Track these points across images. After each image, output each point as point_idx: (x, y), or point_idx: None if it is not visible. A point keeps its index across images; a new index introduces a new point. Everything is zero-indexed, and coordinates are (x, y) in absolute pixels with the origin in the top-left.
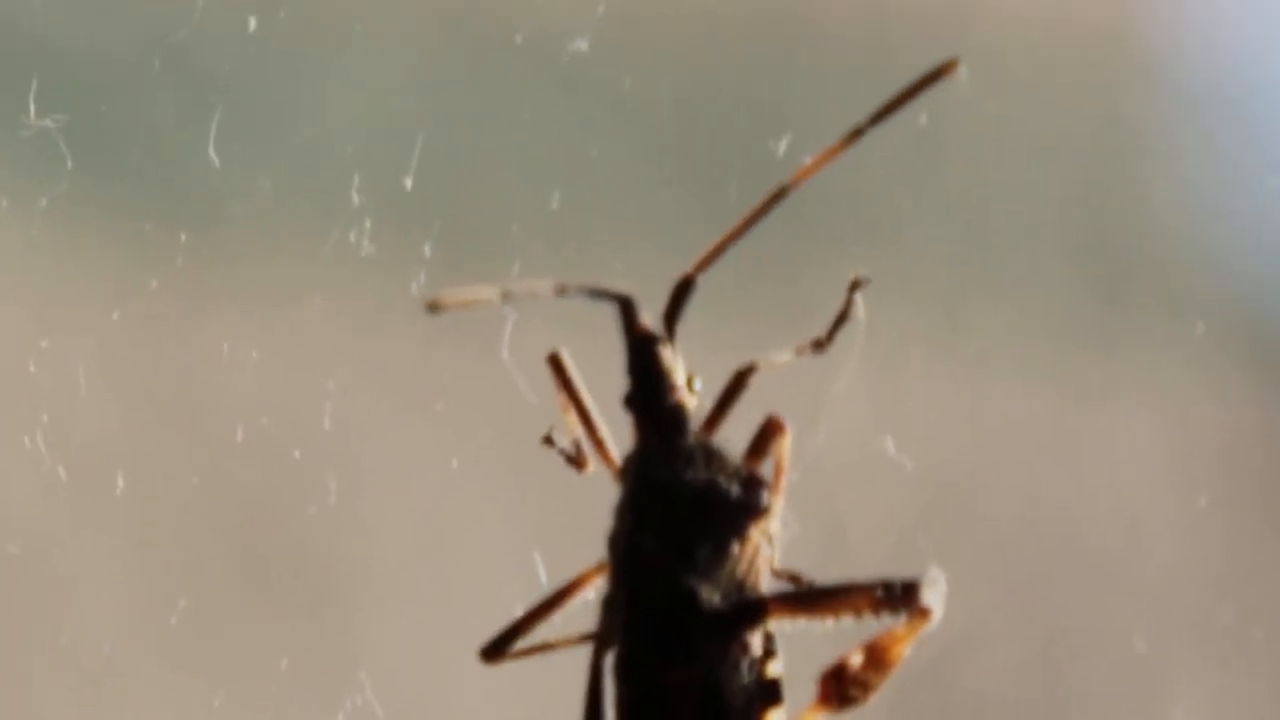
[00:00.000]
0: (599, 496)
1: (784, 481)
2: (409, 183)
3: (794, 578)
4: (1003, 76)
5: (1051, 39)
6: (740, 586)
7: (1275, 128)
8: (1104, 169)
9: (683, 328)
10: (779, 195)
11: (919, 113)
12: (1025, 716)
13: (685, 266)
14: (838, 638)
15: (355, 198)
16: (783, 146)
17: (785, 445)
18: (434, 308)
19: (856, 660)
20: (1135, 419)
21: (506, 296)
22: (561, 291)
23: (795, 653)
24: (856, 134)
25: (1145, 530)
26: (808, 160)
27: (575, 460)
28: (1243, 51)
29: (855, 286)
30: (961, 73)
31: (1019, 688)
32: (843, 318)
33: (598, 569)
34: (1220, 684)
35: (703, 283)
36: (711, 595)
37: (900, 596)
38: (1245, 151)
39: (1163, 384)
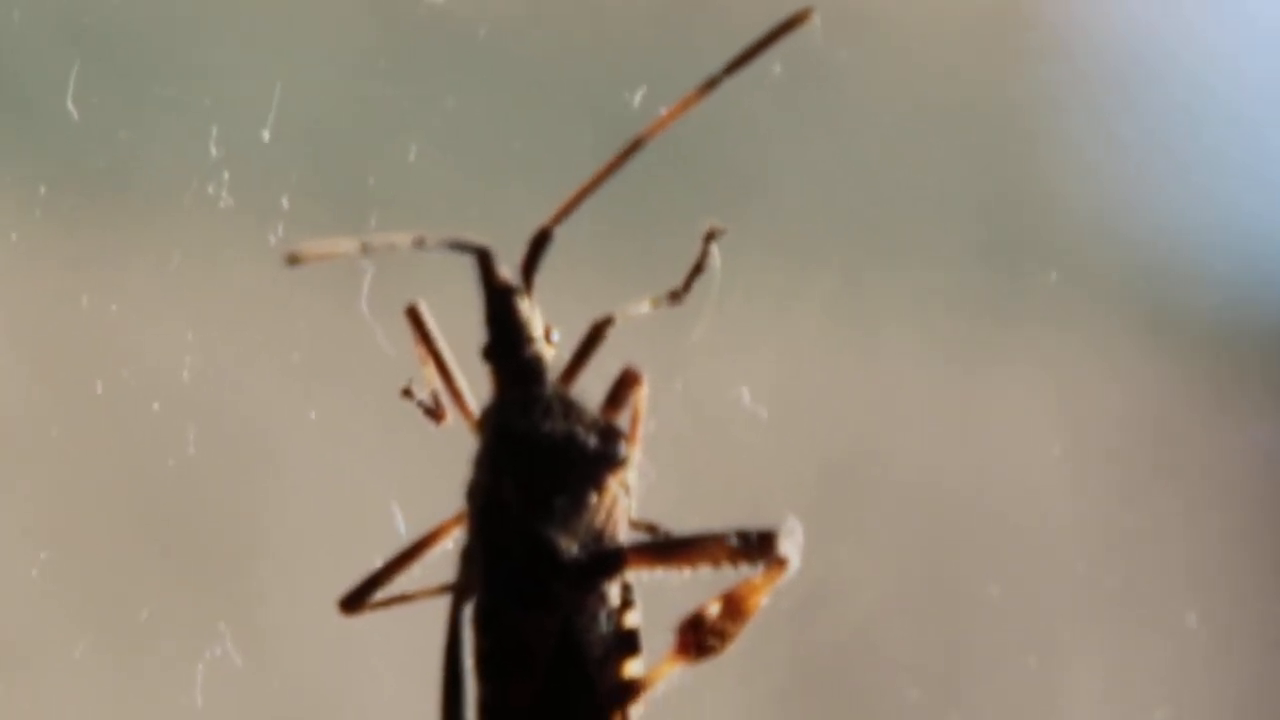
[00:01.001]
0: (457, 448)
1: (641, 432)
2: (266, 135)
3: (651, 528)
4: (903, 51)
5: (949, 15)
6: (598, 537)
7: (1162, 105)
8: (1000, 144)
9: (542, 280)
10: (634, 147)
11: (774, 63)
12: (886, 662)
13: (542, 218)
14: (695, 588)
15: (213, 150)
16: (638, 99)
17: (642, 396)
18: (293, 260)
19: (714, 610)
20: (1028, 384)
21: (365, 249)
22: (420, 244)
23: (653, 603)
24: (711, 84)
25: (1037, 491)
26: (663, 112)
27: (433, 412)
28: (1132, 29)
29: (710, 237)
30: (815, 22)
31: (880, 639)
32: (698, 268)
33: (456, 520)
34: (1112, 637)
35: (563, 236)
36: (569, 546)
37: (757, 547)
38: (1133, 128)
39: (1054, 350)
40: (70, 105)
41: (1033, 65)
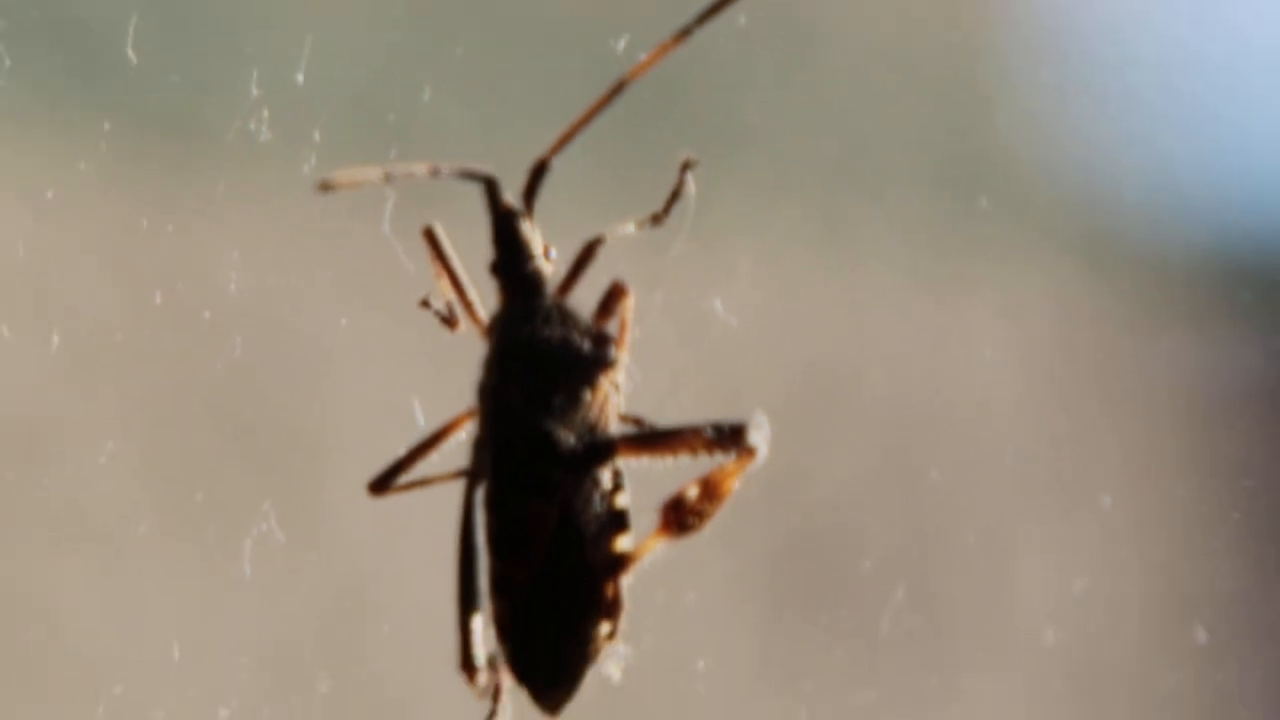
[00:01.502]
0: (468, 352)
1: (628, 337)
2: (300, 78)
3: (637, 421)
4: (860, 10)
5: None
6: (592, 429)
7: (1093, 57)
8: (956, 91)
9: (540, 205)
10: (618, 88)
11: (739, 15)
12: (840, 540)
13: (540, 151)
14: (677, 473)
15: (254, 90)
16: (621, 45)
17: (629, 306)
18: (325, 187)
19: (693, 492)
20: (978, 301)
21: (388, 177)
22: (434, 173)
23: (639, 487)
24: (685, 32)
25: (993, 403)
26: (643, 57)
27: (448, 320)
28: None
29: (686, 167)
30: None
31: (834, 520)
32: (676, 194)
33: (468, 414)
34: (1043, 518)
35: (559, 166)
36: (567, 437)
37: (730, 437)
38: (1069, 78)
39: (1008, 280)
40: (130, 51)
41: (981, 18)
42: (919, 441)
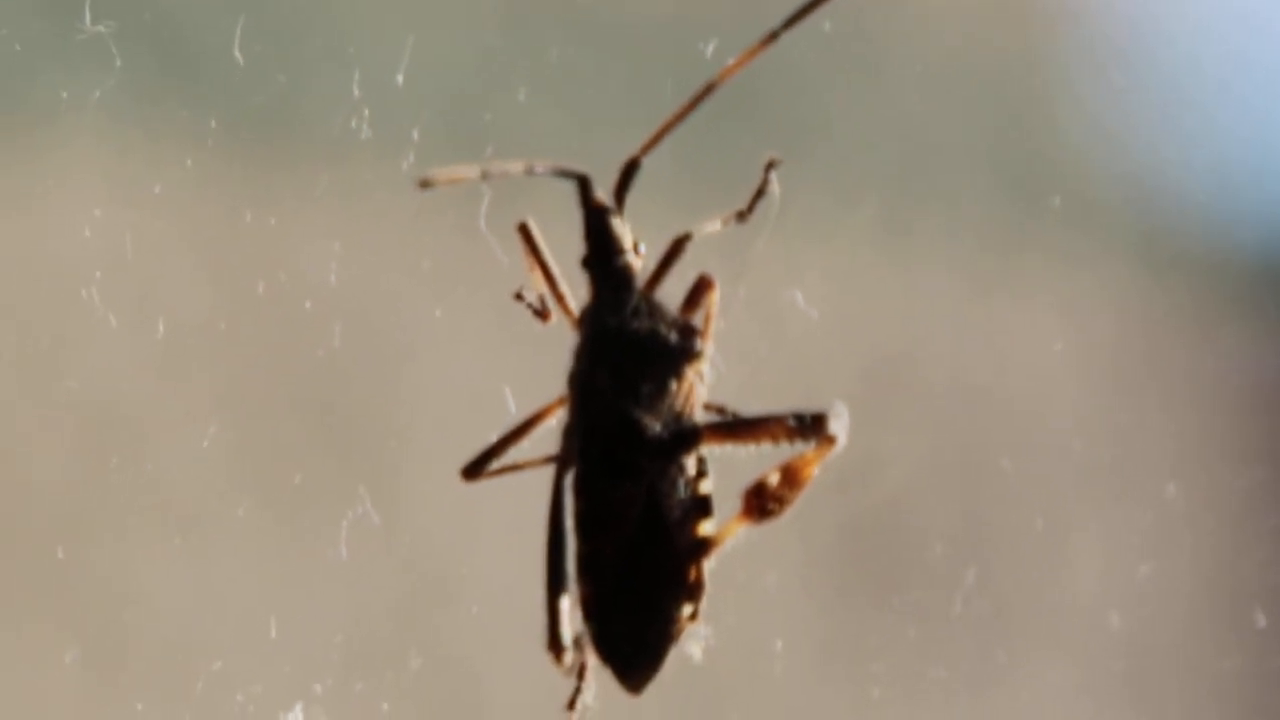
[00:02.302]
0: (559, 342)
1: (713, 329)
2: (400, 79)
3: (721, 410)
4: (936, 14)
5: None
6: (678, 417)
7: (1151, 61)
8: (1017, 97)
9: (630, 201)
10: (708, 89)
11: (824, 21)
12: (913, 525)
13: (631, 150)
14: (758, 460)
15: (356, 91)
16: (710, 49)
17: (714, 299)
18: (424, 184)
19: (774, 479)
20: (1038, 298)
21: (484, 174)
22: (529, 170)
23: (723, 473)
24: (772, 37)
25: (1045, 387)
26: (731, 60)
27: (540, 312)
28: (1125, 3)
29: (770, 166)
30: None
31: (908, 506)
32: (760, 192)
33: (559, 402)
34: (1106, 505)
35: (649, 164)
36: (653, 424)
37: (810, 426)
38: (1128, 81)
39: (1063, 277)
40: (237, 52)
41: (1045, 28)
42: (986, 432)
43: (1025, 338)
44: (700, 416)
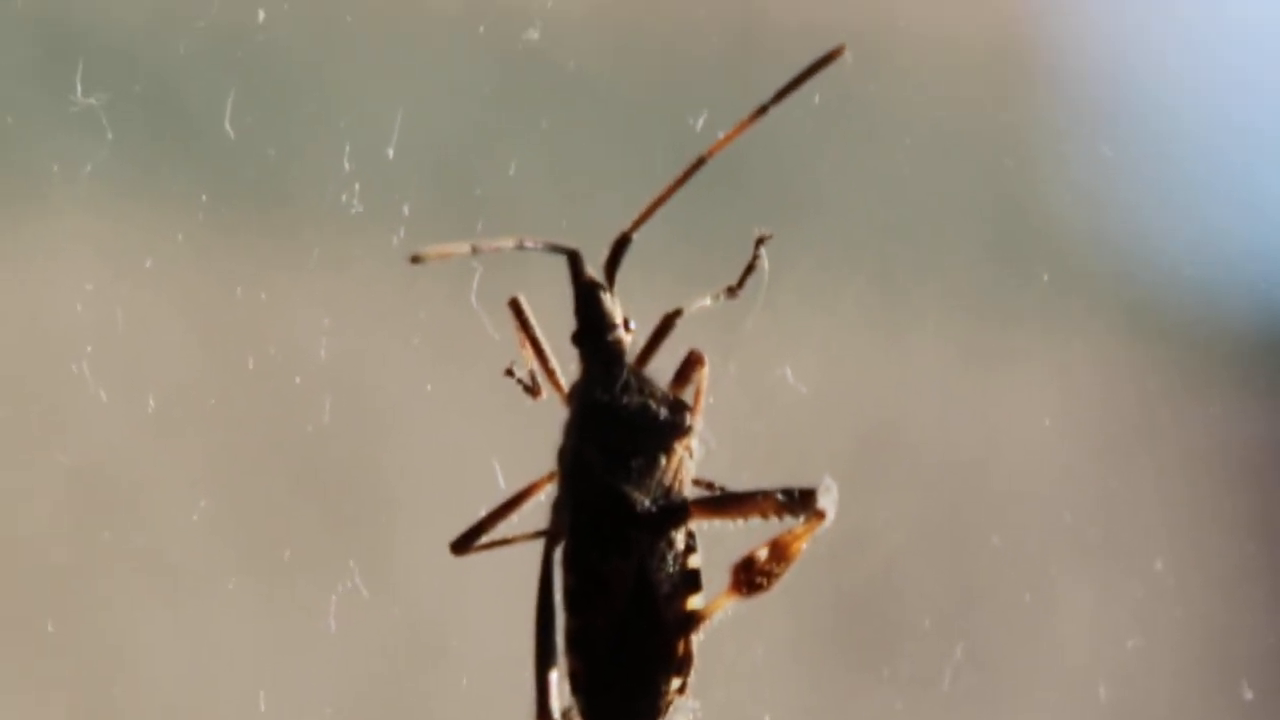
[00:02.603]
0: (549, 418)
1: (703, 405)
2: (391, 152)
3: (710, 486)
4: (921, 86)
5: (960, 54)
6: (667, 492)
7: (1138, 129)
8: (1004, 167)
9: (620, 277)
10: (698, 164)
11: (813, 94)
12: (901, 600)
13: (623, 225)
14: (747, 535)
15: (347, 164)
16: (700, 123)
17: (704, 375)
18: (415, 259)
19: (763, 554)
20: (1026, 369)
21: (474, 250)
22: (520, 246)
23: (712, 548)
24: (761, 110)
25: (1033, 458)
26: (721, 135)
27: (531, 388)
28: (1111, 67)
29: (760, 242)
30: (847, 57)
31: (896, 580)
32: (750, 268)
33: (548, 477)
34: (1095, 579)
35: (640, 240)
36: (643, 499)
37: (799, 501)
38: (1115, 149)
39: (1052, 348)
40: (228, 125)
41: (1030, 97)
42: (975, 504)
43: (1015, 409)
44: (689, 492)
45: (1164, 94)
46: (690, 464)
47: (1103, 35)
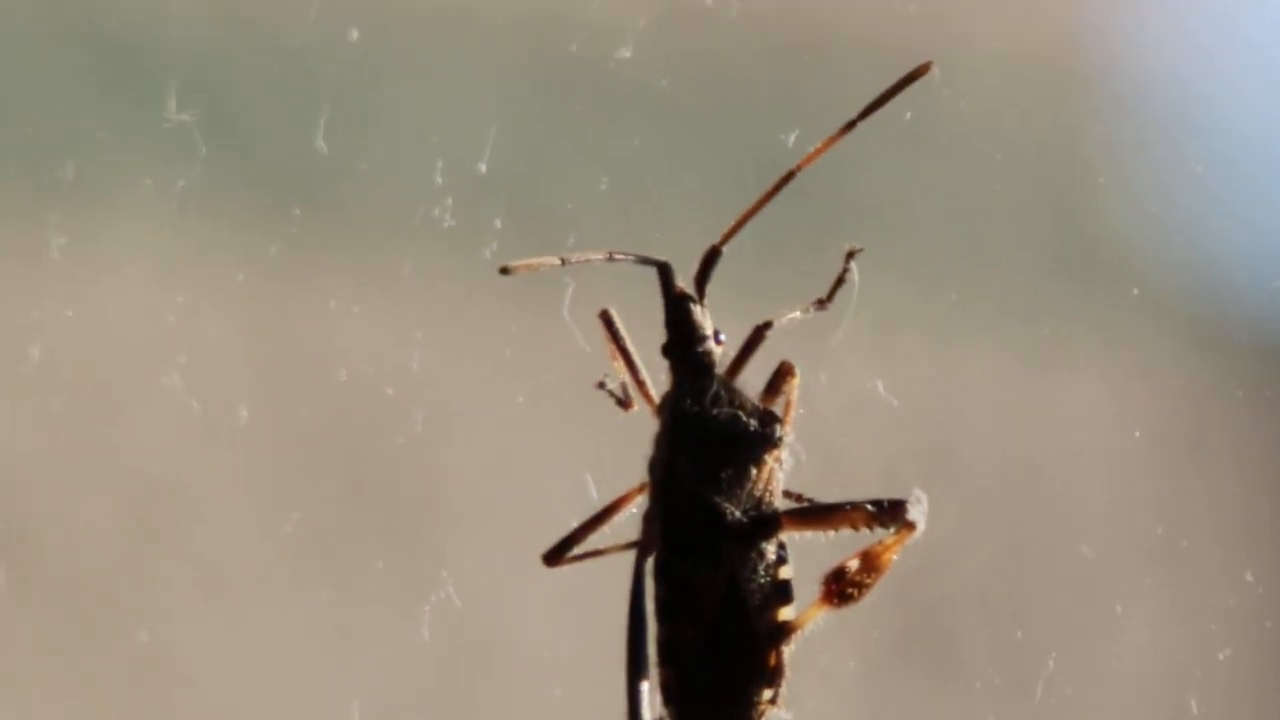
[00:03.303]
0: (640, 430)
1: (793, 416)
2: (483, 167)
3: (799, 498)
4: (983, 105)
5: (1019, 71)
6: (758, 504)
7: (1199, 145)
8: (1066, 184)
9: (711, 289)
10: (788, 178)
11: (904, 110)
12: (993, 610)
13: (712, 238)
14: (838, 547)
15: (438, 179)
16: (792, 139)
17: (795, 387)
18: (505, 271)
19: (853, 565)
20: (1085, 380)
21: (565, 262)
22: (610, 258)
23: (803, 559)
24: (849, 126)
25: (1092, 466)
26: (810, 149)
27: (622, 401)
28: (1172, 85)
29: (851, 255)
30: (934, 73)
31: (988, 591)
32: (840, 280)
33: (640, 488)
34: (1153, 583)
35: (728, 253)
36: (733, 510)
37: (890, 512)
38: (1178, 163)
39: (1108, 352)
40: (320, 142)
41: (1090, 109)
42: (1064, 516)
43: (1099, 420)
44: (780, 503)
45: (1224, 106)
46: (780, 475)
47: (1163, 46)
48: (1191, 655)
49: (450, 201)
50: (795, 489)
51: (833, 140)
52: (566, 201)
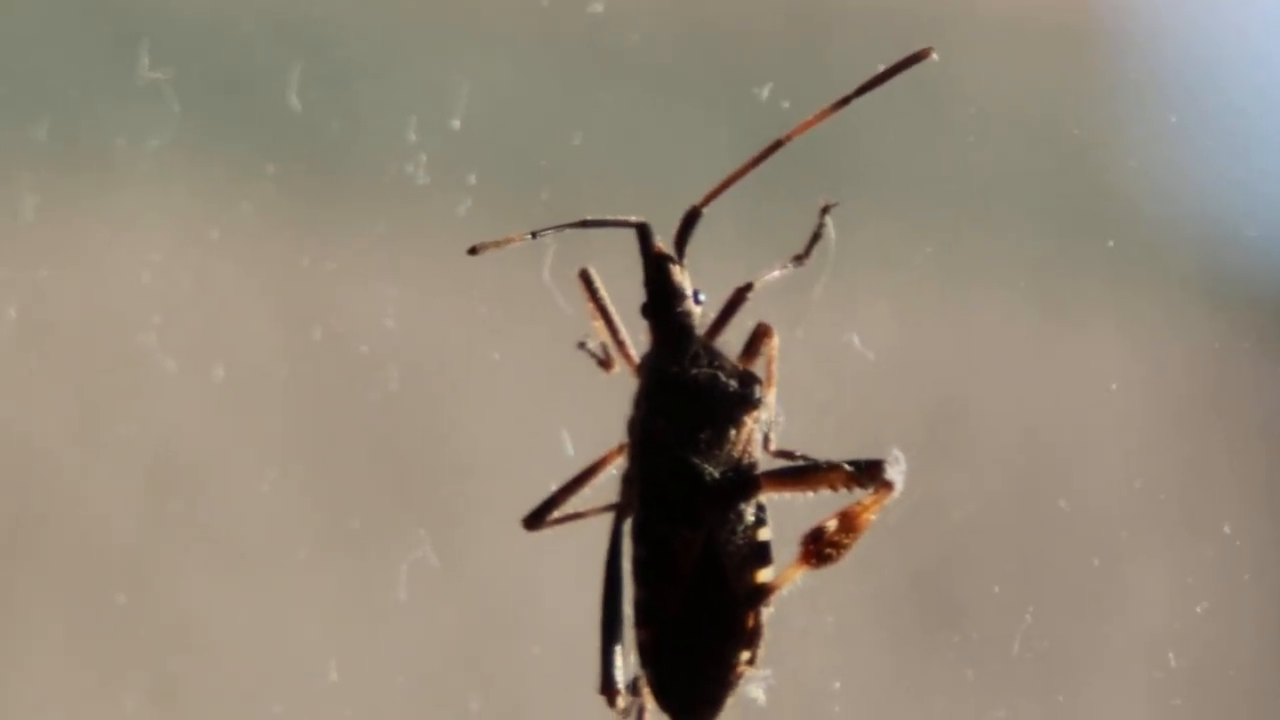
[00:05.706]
0: (619, 390)
1: (775, 376)
2: (456, 124)
3: (790, 455)
4: (992, 59)
5: (1023, 27)
6: (737, 465)
7: (1208, 99)
8: (1074, 135)
9: (689, 250)
10: (775, 146)
11: (902, 90)
12: (970, 566)
13: (686, 194)
14: (816, 506)
15: (411, 136)
16: (765, 93)
17: (774, 346)
18: (475, 252)
19: (832, 526)
20: (1097, 334)
21: (537, 235)
22: (584, 224)
23: (781, 521)
24: (843, 102)
25: (1103, 431)
26: (799, 120)
27: (603, 361)
28: (1176, 37)
29: (825, 210)
30: (934, 58)
31: (966, 547)
32: (816, 236)
33: (619, 450)
34: (1165, 547)
35: (710, 213)
36: (712, 472)
37: (868, 473)
38: (1183, 118)
39: (1129, 311)
40: (294, 99)
41: (1097, 65)
42: (1044, 470)
43: (1084, 374)
44: (760, 464)
45: (1232, 60)
46: (759, 436)
47: (1170, 2)
48: (1169, 609)
49: (424, 158)
50: (781, 448)
51: (824, 114)
52: (540, 158)
